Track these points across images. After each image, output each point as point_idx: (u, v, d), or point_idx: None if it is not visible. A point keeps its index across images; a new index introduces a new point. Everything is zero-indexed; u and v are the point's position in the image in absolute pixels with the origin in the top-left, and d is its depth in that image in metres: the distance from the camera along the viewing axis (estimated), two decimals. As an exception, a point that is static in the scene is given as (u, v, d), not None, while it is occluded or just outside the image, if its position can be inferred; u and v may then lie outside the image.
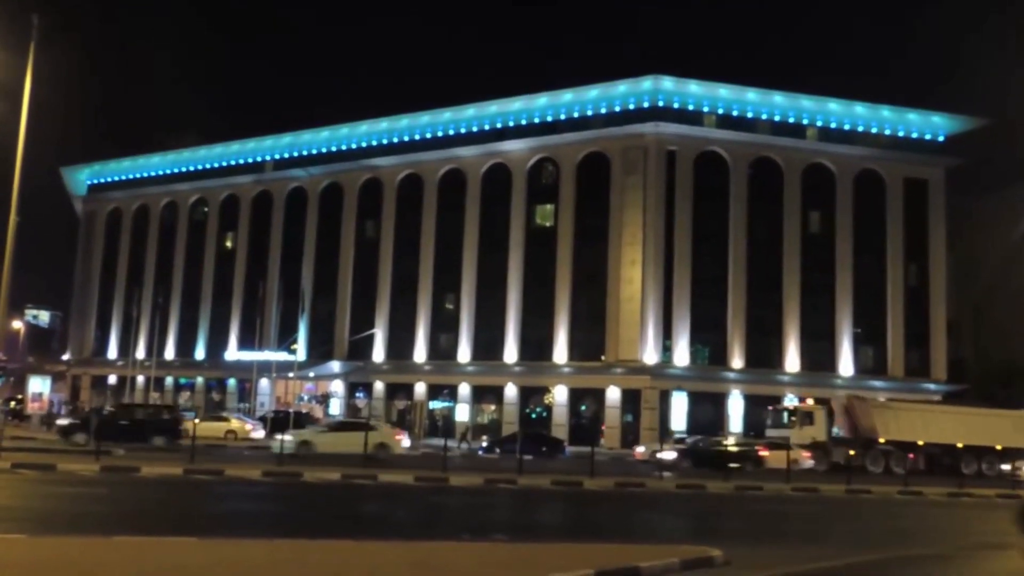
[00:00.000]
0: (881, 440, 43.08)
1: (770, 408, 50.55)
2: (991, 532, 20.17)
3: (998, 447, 44.18)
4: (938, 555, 15.88)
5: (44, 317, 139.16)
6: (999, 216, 70.40)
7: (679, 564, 12.60)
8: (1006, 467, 44.22)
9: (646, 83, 61.77)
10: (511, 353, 63.39)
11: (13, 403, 58.87)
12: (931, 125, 65.09)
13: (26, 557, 11.03)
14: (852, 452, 39.62)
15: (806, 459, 39.88)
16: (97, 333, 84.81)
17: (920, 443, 42.95)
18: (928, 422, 44.15)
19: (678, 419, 58.32)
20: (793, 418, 45.82)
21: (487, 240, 65.42)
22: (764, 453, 39.80)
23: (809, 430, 44.16)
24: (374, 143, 71.92)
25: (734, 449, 39.69)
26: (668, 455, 39.45)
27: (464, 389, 64.83)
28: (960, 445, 43.31)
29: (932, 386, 62.37)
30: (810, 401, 49.07)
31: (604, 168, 62.23)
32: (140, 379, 72.07)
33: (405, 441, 39.41)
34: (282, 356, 65.05)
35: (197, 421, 42.46)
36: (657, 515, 22.33)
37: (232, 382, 74.53)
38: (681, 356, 60.07)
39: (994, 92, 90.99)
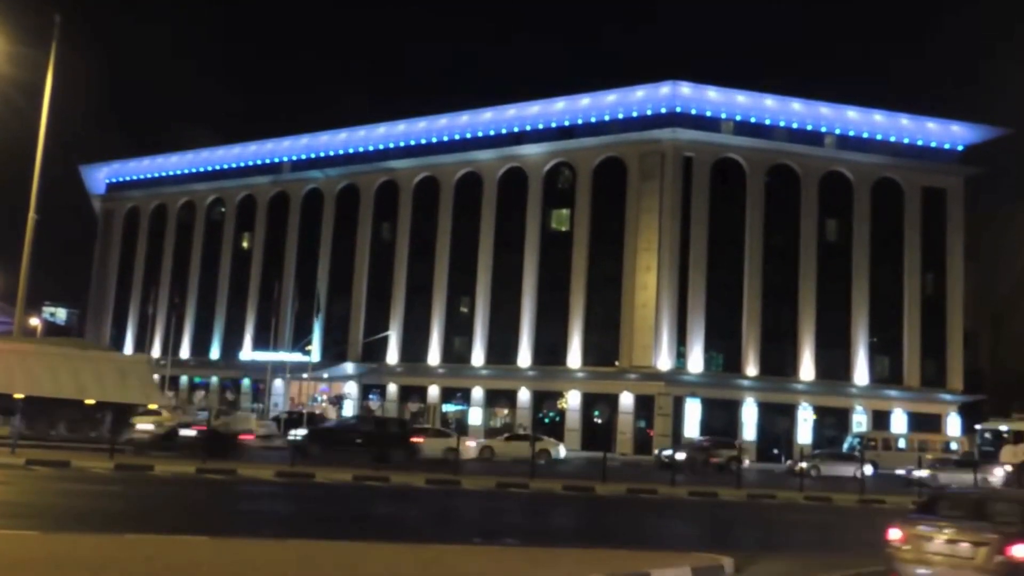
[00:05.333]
0: None
1: None
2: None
3: (89, 401, 32.93)
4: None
5: (61, 314, 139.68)
6: (1018, 226, 69.94)
7: (690, 572, 12.54)
8: (150, 427, 32.87)
9: (664, 89, 61.64)
10: (525, 357, 63.35)
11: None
12: (950, 134, 64.69)
13: (39, 553, 11.09)
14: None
15: None
16: (113, 331, 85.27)
17: None
18: None
19: (691, 426, 58.38)
20: None
21: (502, 244, 65.39)
22: None
23: None
24: (391, 145, 72.08)
25: None
26: None
27: (477, 392, 64.82)
28: (19, 396, 31.39)
29: (948, 396, 61.92)
30: None
31: (621, 173, 62.12)
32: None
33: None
34: (297, 357, 65.33)
35: None
36: (668, 521, 22.25)
37: (246, 382, 74.75)
38: (695, 363, 59.86)
39: (1014, 101, 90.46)
